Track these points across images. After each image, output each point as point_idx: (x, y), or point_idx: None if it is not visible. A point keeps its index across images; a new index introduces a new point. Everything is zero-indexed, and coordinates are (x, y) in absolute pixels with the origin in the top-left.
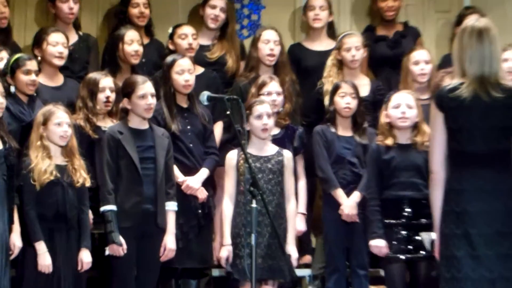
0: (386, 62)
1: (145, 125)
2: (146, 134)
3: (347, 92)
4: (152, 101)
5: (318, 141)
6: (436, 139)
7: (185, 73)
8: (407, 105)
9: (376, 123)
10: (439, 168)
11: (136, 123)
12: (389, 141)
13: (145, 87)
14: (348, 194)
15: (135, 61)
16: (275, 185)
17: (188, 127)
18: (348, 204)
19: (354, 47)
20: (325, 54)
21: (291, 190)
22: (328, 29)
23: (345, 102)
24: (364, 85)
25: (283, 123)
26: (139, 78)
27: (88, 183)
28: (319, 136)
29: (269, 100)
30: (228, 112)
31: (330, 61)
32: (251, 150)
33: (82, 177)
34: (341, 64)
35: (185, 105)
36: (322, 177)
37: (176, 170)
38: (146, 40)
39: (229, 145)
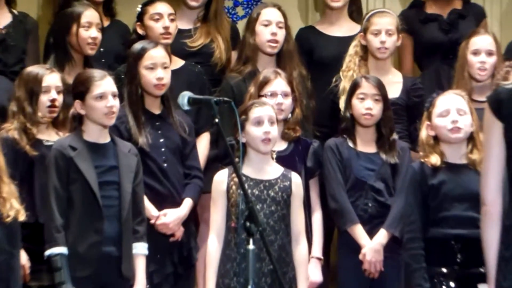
0: (437, 51)
1: (105, 138)
2: (107, 150)
3: (368, 92)
4: (114, 102)
5: (330, 159)
6: (491, 157)
7: (158, 67)
8: (458, 110)
9: (410, 135)
10: (495, 197)
11: (94, 134)
12: (435, 160)
13: (104, 84)
14: (371, 232)
15: (91, 51)
16: (279, 219)
17: (162, 140)
18: (372, 246)
19: (385, 30)
20: (347, 41)
21: (301, 227)
22: (350, 8)
23: (365, 106)
24: (395, 83)
25: (291, 135)
26: (96, 72)
27: (22, 217)
28: (332, 153)
29: (274, 104)
30: (216, 120)
31: (352, 48)
32: (248, 171)
33: (13, 209)
34: (366, 53)
35: (157, 111)
36: (335, 209)
37: (146, 201)
38: (105, 22)
39: (218, 165)
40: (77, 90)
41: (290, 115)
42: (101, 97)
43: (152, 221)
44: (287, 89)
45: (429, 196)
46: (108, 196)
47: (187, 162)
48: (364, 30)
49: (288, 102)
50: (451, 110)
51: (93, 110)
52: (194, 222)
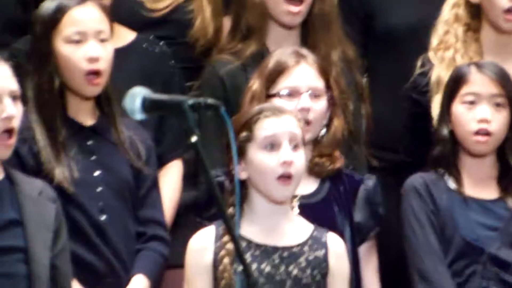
0: None
1: None
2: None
3: (482, 92)
4: (13, 111)
5: (416, 211)
6: None
7: (88, 39)
8: None
9: None
10: None
11: None
12: None
13: None
14: None
15: None
16: None
17: (97, 174)
18: None
19: None
20: (439, 2)
21: None
22: None
23: (478, 116)
24: None
25: (326, 167)
26: None
27: None
28: (418, 199)
29: (295, 109)
30: (193, 139)
31: (449, 10)
32: (251, 231)
33: None
34: (478, 20)
35: (89, 121)
36: None
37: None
38: None
39: (197, 218)
40: None
41: (324, 131)
42: None
43: None
44: (318, 83)
45: None
46: (9, 274)
47: (142, 212)
48: None
49: (319, 107)
50: None
51: None
52: None
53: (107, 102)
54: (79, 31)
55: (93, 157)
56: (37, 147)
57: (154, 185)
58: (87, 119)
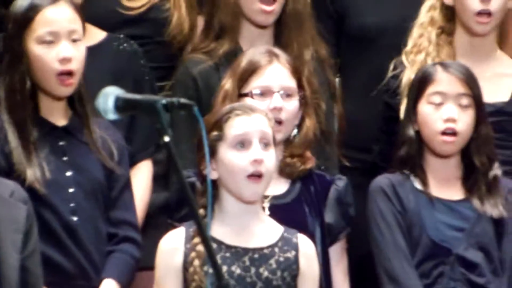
0: None
1: None
2: None
3: (448, 91)
4: None
5: (383, 211)
6: None
7: (61, 39)
8: None
9: None
10: None
11: None
12: None
13: None
14: None
15: None
16: None
17: (69, 174)
18: None
19: None
20: (410, 1)
21: None
22: None
23: (444, 116)
24: (502, 77)
25: (297, 168)
26: None
27: None
28: (385, 200)
29: (266, 108)
30: (166, 139)
31: (425, 13)
32: (222, 231)
33: None
34: (452, 23)
35: (61, 121)
36: None
37: None
38: None
39: (167, 220)
40: None
41: (295, 131)
42: None
43: None
44: (290, 83)
45: None
46: None
47: (114, 213)
48: None
49: (291, 106)
50: None
51: None
52: None
53: (80, 102)
54: (51, 31)
55: (65, 158)
56: (8, 148)
57: (127, 185)
58: (60, 119)
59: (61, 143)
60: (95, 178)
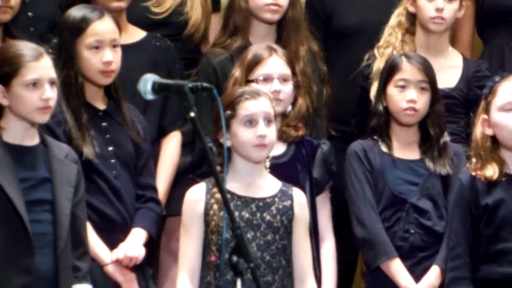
0: (506, 18)
1: (33, 139)
2: (36, 155)
3: (410, 78)
4: (52, 94)
5: (355, 169)
6: None
7: (105, 47)
8: None
9: (468, 138)
10: None
11: (18, 134)
12: (492, 172)
13: (40, 66)
14: (413, 269)
15: (4, 15)
16: (278, 253)
17: (111, 149)
18: None
19: None
20: (383, 5)
21: (307, 263)
22: None
23: (407, 97)
24: (452, 68)
25: (291, 135)
26: (27, 48)
27: None
28: (357, 161)
29: (268, 91)
30: (192, 114)
31: (394, 18)
32: (234, 186)
33: None
34: (414, 25)
35: (101, 106)
36: (363, 238)
37: (91, 233)
38: None
39: (192, 177)
40: None
41: (290, 108)
42: (35, 84)
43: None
44: (286, 71)
45: (482, 221)
46: (39, 220)
47: (141, 178)
48: None
49: (287, 89)
50: None
51: (22, 101)
52: (153, 260)
53: (115, 90)
54: (98, 40)
55: (108, 136)
56: (67, 127)
57: (149, 157)
58: (100, 104)
59: (103, 124)
60: (128, 152)
